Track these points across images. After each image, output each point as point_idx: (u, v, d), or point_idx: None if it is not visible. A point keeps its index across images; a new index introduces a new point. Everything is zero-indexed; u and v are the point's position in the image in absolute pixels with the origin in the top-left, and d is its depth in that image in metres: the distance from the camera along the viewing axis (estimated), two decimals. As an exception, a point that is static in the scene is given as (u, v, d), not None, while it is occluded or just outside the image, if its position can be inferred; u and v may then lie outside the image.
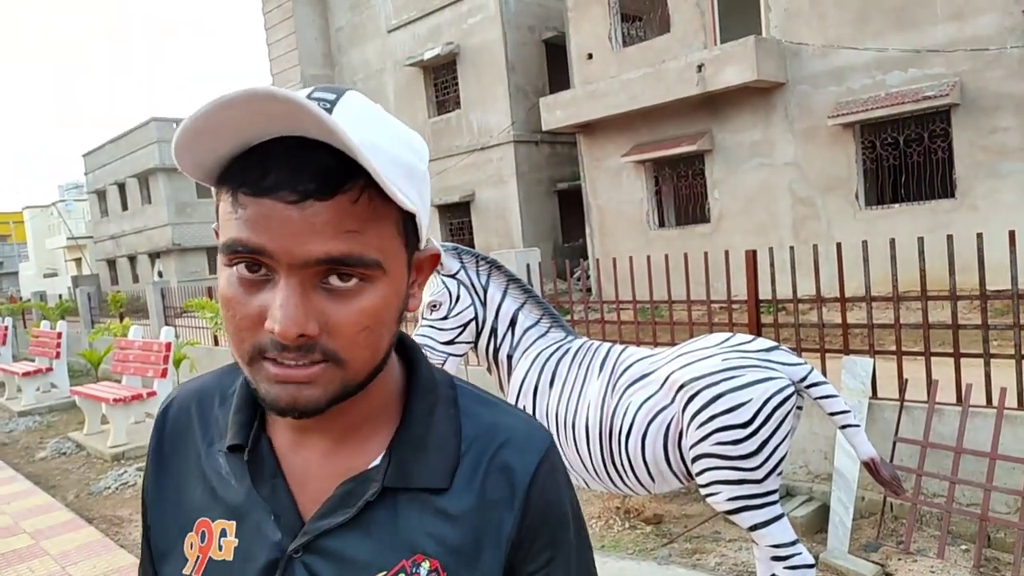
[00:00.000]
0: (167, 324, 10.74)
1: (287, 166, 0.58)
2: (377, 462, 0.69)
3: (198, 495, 0.73)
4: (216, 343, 9.64)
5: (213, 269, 30.66)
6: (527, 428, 0.73)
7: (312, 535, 0.67)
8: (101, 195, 33.57)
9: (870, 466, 2.58)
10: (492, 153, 16.84)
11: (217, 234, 0.65)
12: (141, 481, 0.83)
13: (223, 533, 0.70)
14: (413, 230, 0.66)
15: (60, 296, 18.07)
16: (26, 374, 9.88)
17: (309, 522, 0.67)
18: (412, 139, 0.67)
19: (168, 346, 7.30)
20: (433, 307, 2.99)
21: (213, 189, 0.64)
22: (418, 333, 3.02)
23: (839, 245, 4.08)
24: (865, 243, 3.96)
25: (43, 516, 5.12)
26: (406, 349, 0.75)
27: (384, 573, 0.66)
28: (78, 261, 39.56)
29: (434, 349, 2.98)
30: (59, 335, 10.42)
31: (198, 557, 0.70)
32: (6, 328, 14.07)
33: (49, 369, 10.22)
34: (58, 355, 10.29)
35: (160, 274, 29.22)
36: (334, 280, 0.61)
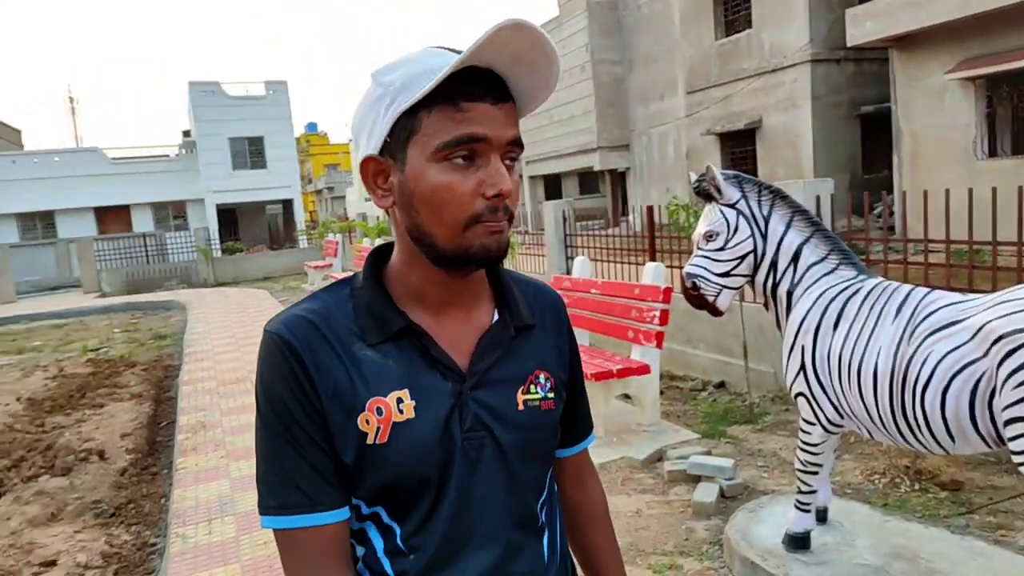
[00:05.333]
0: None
1: (484, 84, 0.87)
2: (496, 318, 0.98)
3: (358, 383, 0.88)
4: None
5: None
6: (547, 285, 1.11)
7: (479, 374, 0.93)
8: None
9: None
10: (784, 75, 15.50)
11: (366, 168, 0.91)
12: (271, 396, 0.90)
13: (399, 401, 0.89)
14: None
15: (378, 217, 20.78)
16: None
17: (472, 366, 0.93)
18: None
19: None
20: (709, 237, 2.91)
21: (389, 118, 0.88)
22: (692, 263, 2.97)
23: None
24: None
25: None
26: None
27: (522, 386, 0.96)
28: (391, 188, 44.83)
29: (708, 280, 2.92)
30: (376, 251, 12.03)
31: (379, 428, 0.88)
32: (337, 243, 16.64)
33: (368, 280, 11.92)
34: (375, 268, 11.91)
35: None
36: (508, 161, 0.89)
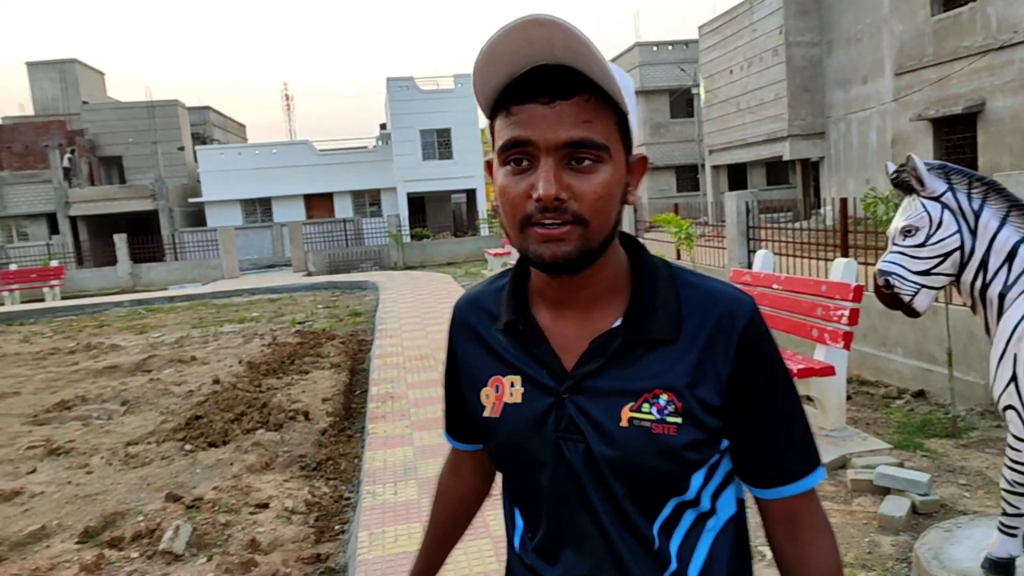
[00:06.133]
0: (636, 236, 11.76)
1: (539, 83, 0.84)
2: (618, 323, 0.93)
3: (487, 361, 1.01)
4: (678, 256, 10.21)
5: (681, 187, 32.03)
6: (736, 293, 0.95)
7: (576, 379, 0.92)
8: (590, 118, 37.43)
9: None
10: (1015, 52, 13.71)
11: (490, 167, 0.94)
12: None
13: (512, 384, 0.97)
14: (627, 133, 0.89)
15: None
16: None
17: (572, 370, 0.92)
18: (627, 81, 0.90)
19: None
20: (907, 232, 2.70)
21: (488, 123, 0.92)
22: (886, 260, 2.78)
23: None
24: None
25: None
26: (632, 244, 0.98)
27: (631, 403, 0.90)
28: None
29: (904, 278, 2.72)
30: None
31: (494, 403, 0.99)
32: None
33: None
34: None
35: (634, 191, 31.67)
36: (575, 163, 0.84)
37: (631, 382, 0.90)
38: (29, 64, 36.01)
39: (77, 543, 3.89)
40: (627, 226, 12.62)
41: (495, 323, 1.01)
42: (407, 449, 4.90)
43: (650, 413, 0.89)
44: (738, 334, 0.91)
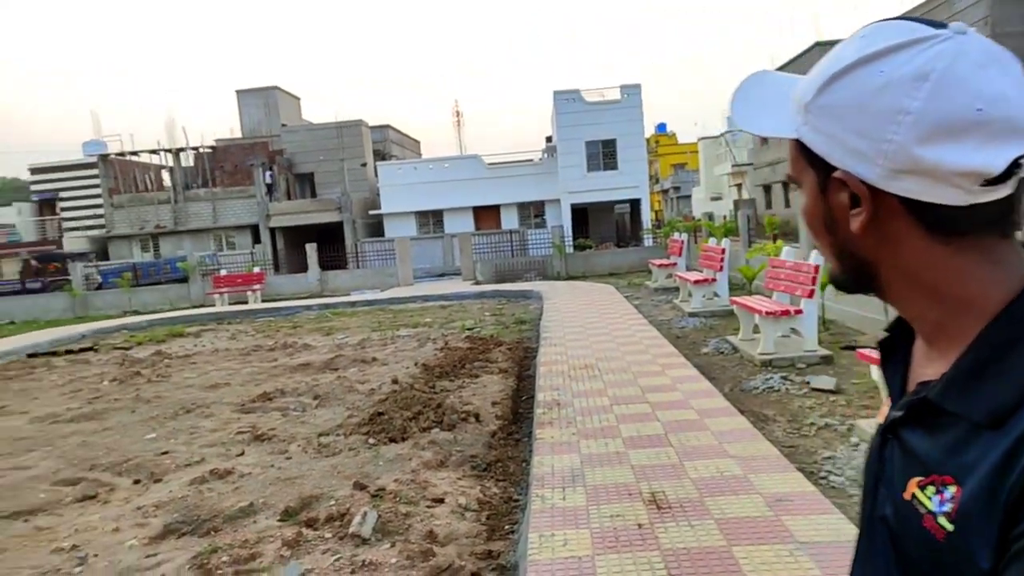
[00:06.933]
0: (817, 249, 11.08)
1: None
2: (937, 378, 0.70)
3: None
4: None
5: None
6: None
7: (888, 420, 0.77)
8: (762, 124, 35.82)
9: None
10: None
11: None
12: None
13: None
14: (814, 156, 0.74)
15: (724, 217, 20.45)
16: (696, 282, 11.70)
17: (891, 408, 0.78)
18: (819, 76, 0.72)
19: (817, 268, 7.60)
20: None
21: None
22: None
23: None
24: None
25: (706, 399, 6.14)
26: None
27: (922, 477, 0.69)
28: (739, 186, 43.70)
29: None
30: (723, 251, 11.92)
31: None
32: (682, 242, 16.79)
33: (713, 280, 11.87)
34: (721, 268, 11.82)
35: (810, 200, 29.84)
36: None
37: (930, 451, 0.69)
38: (238, 92, 40.52)
39: (279, 521, 4.32)
40: (804, 237, 11.92)
41: None
42: (574, 456, 4.96)
43: (930, 501, 0.67)
44: None
